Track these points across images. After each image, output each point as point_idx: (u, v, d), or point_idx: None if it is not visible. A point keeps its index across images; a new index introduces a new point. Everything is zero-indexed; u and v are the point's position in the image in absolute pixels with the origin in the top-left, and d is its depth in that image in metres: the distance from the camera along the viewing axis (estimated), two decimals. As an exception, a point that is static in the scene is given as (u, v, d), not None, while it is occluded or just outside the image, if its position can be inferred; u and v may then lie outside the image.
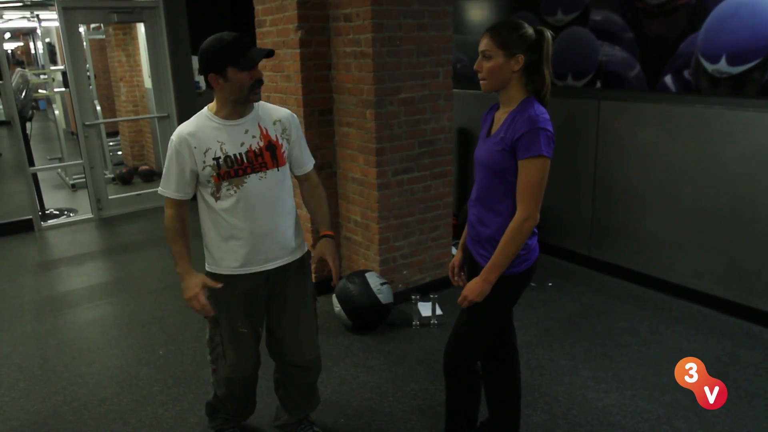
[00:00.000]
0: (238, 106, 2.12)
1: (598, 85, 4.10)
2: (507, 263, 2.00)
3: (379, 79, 3.43)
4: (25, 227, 5.83)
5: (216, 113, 2.14)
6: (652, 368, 3.07)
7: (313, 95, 3.74)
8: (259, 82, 2.09)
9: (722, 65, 3.40)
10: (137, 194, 6.63)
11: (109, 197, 6.36)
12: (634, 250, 4.06)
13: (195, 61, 6.71)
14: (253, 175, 2.15)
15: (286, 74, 3.81)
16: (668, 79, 3.69)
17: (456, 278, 2.35)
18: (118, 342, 3.60)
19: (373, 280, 3.51)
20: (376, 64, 3.39)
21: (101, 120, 7.41)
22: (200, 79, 7.08)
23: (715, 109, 3.47)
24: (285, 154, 2.23)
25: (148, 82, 7.28)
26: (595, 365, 3.12)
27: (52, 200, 6.80)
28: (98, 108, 7.56)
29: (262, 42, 4.00)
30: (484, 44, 1.96)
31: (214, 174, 2.11)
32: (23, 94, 6.20)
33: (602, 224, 4.25)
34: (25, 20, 8.69)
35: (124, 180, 7.62)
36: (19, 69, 6.73)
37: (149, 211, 6.41)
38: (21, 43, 15.83)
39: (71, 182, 7.49)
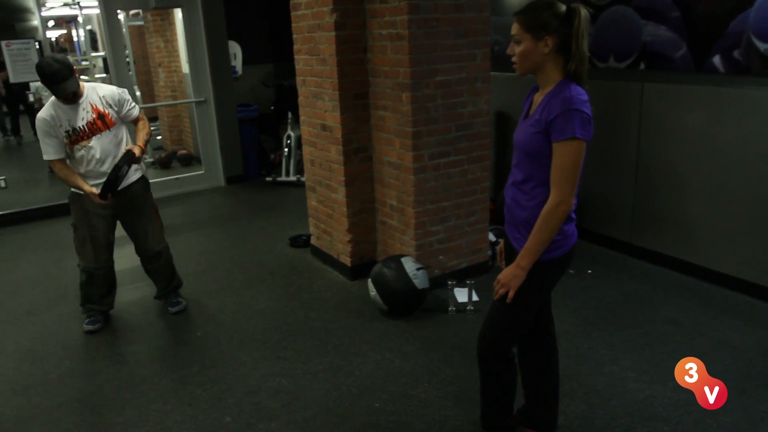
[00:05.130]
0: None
1: (642, 66, 3.96)
2: (541, 249, 1.96)
3: (416, 62, 3.37)
4: (68, 211, 5.96)
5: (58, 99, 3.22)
6: (696, 359, 2.97)
7: (349, 78, 3.71)
8: (70, 98, 3.18)
9: (776, 44, 3.24)
10: (176, 178, 6.74)
11: (149, 181, 6.46)
12: (678, 237, 3.93)
13: (232, 46, 6.78)
14: (93, 138, 3.28)
15: (321, 57, 3.78)
16: (717, 59, 3.54)
17: (503, 264, 2.32)
18: (157, 322, 3.67)
19: (409, 265, 3.48)
20: (412, 46, 3.34)
21: (141, 105, 7.52)
22: (237, 64, 7.13)
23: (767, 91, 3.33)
24: (113, 118, 3.33)
25: (185, 68, 7.35)
26: (635, 355, 3.04)
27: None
28: (138, 93, 7.70)
29: (298, 25, 3.99)
30: (513, 29, 1.94)
31: (67, 141, 3.26)
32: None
33: (644, 210, 4.12)
34: (67, 8, 8.89)
35: (163, 164, 7.75)
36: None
37: (188, 194, 6.52)
38: (64, 31, 16.19)
39: (113, 166, 7.64)
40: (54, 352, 3.37)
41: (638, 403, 2.68)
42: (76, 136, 3.26)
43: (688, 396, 2.69)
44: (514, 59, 1.96)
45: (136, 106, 3.51)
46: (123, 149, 3.37)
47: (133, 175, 3.47)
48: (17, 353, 3.37)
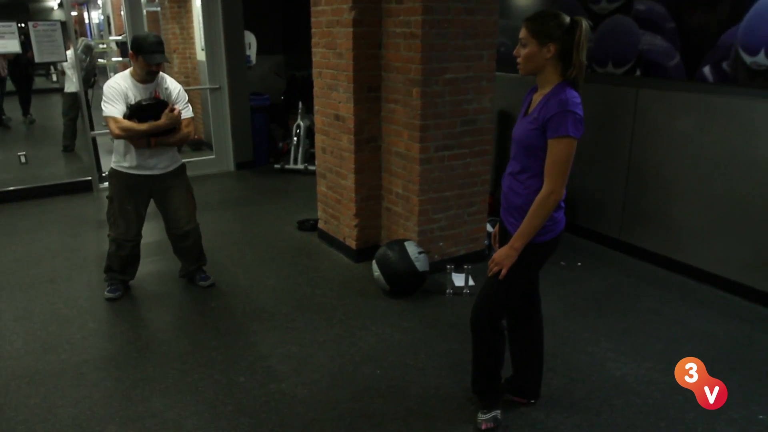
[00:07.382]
0: (143, 77, 3.50)
1: (638, 73, 4.21)
2: (533, 233, 2.21)
3: (427, 60, 3.62)
4: (85, 187, 6.24)
5: (132, 76, 3.52)
6: (671, 345, 3.24)
7: (363, 72, 3.96)
8: (154, 71, 3.48)
9: (761, 58, 3.49)
10: (187, 162, 6.94)
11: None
12: (664, 235, 4.19)
13: (247, 35, 6.99)
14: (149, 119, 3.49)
15: (338, 51, 4.03)
16: (707, 69, 3.79)
17: (497, 246, 2.58)
18: (173, 293, 3.92)
19: (412, 248, 3.74)
20: (424, 45, 3.58)
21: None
22: (251, 54, 7.35)
23: (752, 101, 3.57)
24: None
25: (200, 55, 7.58)
26: (616, 339, 3.30)
27: (109, 163, 7.18)
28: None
29: (317, 20, 4.23)
30: (521, 33, 2.18)
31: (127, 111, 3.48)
32: (86, 61, 6.57)
33: (634, 209, 4.38)
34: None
35: (174, 148, 7.95)
36: (83, 38, 7.10)
37: (198, 178, 6.72)
38: (75, 13, 16.37)
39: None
40: (78, 316, 3.61)
41: (615, 379, 2.94)
42: None
43: (660, 375, 2.96)
44: (519, 60, 2.20)
45: (190, 111, 3.72)
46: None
47: (174, 164, 3.77)
48: (43, 315, 3.62)
